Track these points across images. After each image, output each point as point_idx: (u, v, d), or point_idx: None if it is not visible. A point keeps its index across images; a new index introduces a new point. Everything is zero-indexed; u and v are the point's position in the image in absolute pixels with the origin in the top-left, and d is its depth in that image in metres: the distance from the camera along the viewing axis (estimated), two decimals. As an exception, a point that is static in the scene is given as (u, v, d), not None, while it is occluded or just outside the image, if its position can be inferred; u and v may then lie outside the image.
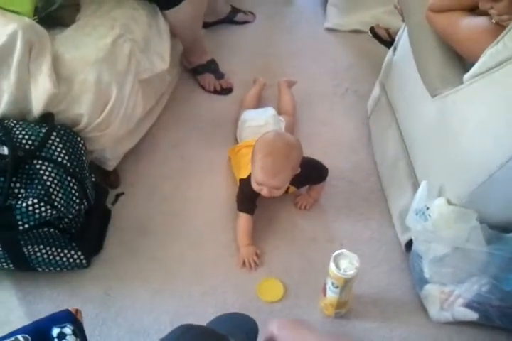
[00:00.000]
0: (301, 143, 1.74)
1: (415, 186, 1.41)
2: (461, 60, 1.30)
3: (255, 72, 2.09)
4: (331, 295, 1.28)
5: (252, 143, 1.53)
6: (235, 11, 2.32)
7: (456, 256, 1.23)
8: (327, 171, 1.59)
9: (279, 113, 1.79)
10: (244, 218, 1.51)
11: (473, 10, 1.25)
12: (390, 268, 1.48)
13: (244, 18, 2.35)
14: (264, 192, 1.45)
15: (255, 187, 1.46)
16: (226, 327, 1.03)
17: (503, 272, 1.20)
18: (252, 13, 2.39)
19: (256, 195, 1.51)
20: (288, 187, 1.55)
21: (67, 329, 0.82)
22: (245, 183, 1.51)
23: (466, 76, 1.17)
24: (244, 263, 1.47)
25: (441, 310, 1.33)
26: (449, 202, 1.20)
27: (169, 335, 0.83)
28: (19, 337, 0.79)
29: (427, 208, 1.22)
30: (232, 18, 2.32)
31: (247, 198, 1.53)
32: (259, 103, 1.89)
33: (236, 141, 1.77)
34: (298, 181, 1.54)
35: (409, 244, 1.44)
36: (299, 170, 1.47)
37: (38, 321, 0.86)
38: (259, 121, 1.67)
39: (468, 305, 1.29)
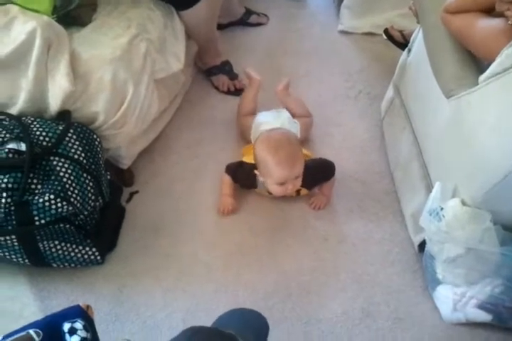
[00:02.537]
0: (315, 145, 1.78)
1: (428, 187, 1.40)
2: (476, 61, 1.29)
3: (268, 73, 2.09)
4: None
5: None
6: (248, 12, 2.33)
7: (469, 257, 1.22)
8: (334, 166, 1.60)
9: (295, 117, 1.78)
10: (227, 177, 1.60)
11: (489, 11, 1.25)
12: (403, 268, 1.48)
13: (258, 20, 2.36)
14: (290, 188, 1.46)
15: (278, 190, 1.47)
16: (236, 324, 1.02)
17: (516, 273, 1.20)
18: (265, 15, 2.40)
19: (242, 184, 1.60)
20: (299, 190, 1.56)
21: (78, 324, 0.83)
22: (243, 168, 1.57)
23: (482, 77, 1.17)
24: (219, 210, 1.60)
25: (454, 311, 1.32)
26: (463, 203, 1.20)
27: (177, 338, 0.83)
28: (31, 331, 0.80)
29: (441, 208, 1.21)
30: (246, 20, 2.33)
31: (235, 176, 1.60)
32: (256, 105, 1.84)
33: (248, 142, 1.77)
34: (308, 182, 1.54)
35: (422, 245, 1.43)
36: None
37: (50, 316, 0.86)
38: (275, 124, 1.66)
39: (482, 307, 1.28)
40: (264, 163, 1.44)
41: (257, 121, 1.73)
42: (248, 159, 1.59)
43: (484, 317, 1.29)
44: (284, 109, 1.77)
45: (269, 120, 1.70)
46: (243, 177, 1.58)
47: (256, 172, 1.50)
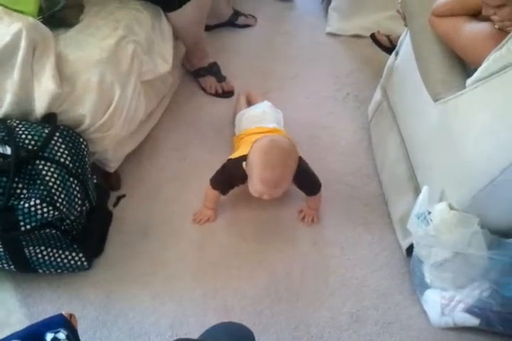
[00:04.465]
0: (302, 147, 1.75)
1: (416, 191, 1.41)
2: (463, 65, 1.30)
3: (256, 75, 2.10)
4: None
5: (255, 130, 1.54)
6: (236, 14, 2.33)
7: (457, 261, 1.23)
8: (320, 186, 1.54)
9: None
10: (213, 191, 1.53)
11: (477, 15, 1.25)
12: (391, 272, 1.48)
13: (246, 21, 2.36)
14: (266, 197, 1.42)
15: (255, 194, 1.43)
16: (222, 336, 1.02)
17: (504, 277, 1.20)
18: (253, 16, 2.40)
19: (234, 182, 1.51)
20: None
21: (61, 335, 0.81)
22: (230, 164, 1.50)
23: (469, 81, 1.17)
24: (195, 219, 1.58)
25: (442, 315, 1.33)
26: (451, 207, 1.20)
27: None
28: None
29: (429, 212, 1.22)
30: (234, 22, 2.33)
31: (225, 181, 1.52)
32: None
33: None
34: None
35: (410, 249, 1.44)
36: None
37: (32, 326, 0.85)
38: (257, 111, 1.65)
39: (469, 311, 1.29)
40: (250, 169, 1.39)
41: (239, 115, 1.73)
42: (233, 155, 1.54)
43: (472, 321, 1.29)
44: (265, 101, 1.78)
45: (251, 109, 1.71)
46: (232, 179, 1.51)
47: (244, 165, 1.43)
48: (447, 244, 1.20)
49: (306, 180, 1.53)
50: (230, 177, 1.51)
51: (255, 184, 1.39)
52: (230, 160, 1.54)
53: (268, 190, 1.39)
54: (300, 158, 1.46)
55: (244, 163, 1.43)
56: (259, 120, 1.63)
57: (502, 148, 1.06)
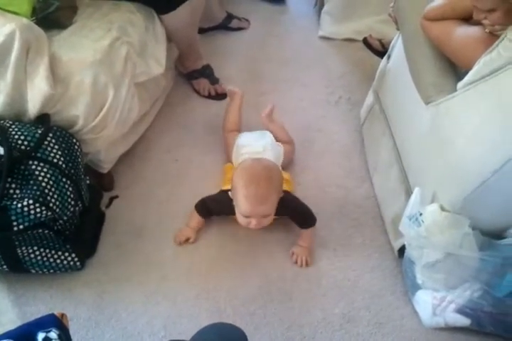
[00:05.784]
0: (295, 151, 1.77)
1: (408, 192, 1.42)
2: (455, 68, 1.31)
3: (249, 78, 2.11)
4: None
5: None
6: (230, 17, 2.34)
7: (448, 262, 1.24)
8: (315, 220, 1.51)
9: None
10: (197, 216, 1.54)
11: (468, 19, 1.27)
12: (383, 273, 1.49)
13: (239, 24, 2.37)
14: (253, 224, 1.39)
15: (242, 220, 1.41)
16: (213, 338, 1.02)
17: (494, 278, 1.21)
18: (247, 19, 2.41)
19: (217, 211, 1.53)
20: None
21: (53, 334, 0.82)
22: (221, 196, 1.49)
23: (460, 84, 1.18)
24: (175, 239, 1.53)
25: (434, 315, 1.33)
26: (442, 209, 1.21)
27: None
28: None
29: (420, 214, 1.22)
30: (227, 24, 2.34)
31: (209, 208, 1.52)
32: (241, 119, 1.82)
33: (230, 160, 1.72)
34: (281, 213, 1.48)
35: (402, 250, 1.44)
36: (282, 193, 1.42)
37: (23, 325, 0.85)
38: (257, 148, 1.60)
39: (461, 311, 1.30)
40: (235, 191, 1.39)
41: (239, 143, 1.67)
42: (225, 186, 1.54)
43: (463, 321, 1.30)
44: (268, 132, 1.72)
45: (251, 142, 1.65)
46: (217, 209, 1.52)
47: (230, 194, 1.43)
48: (439, 245, 1.20)
49: (296, 207, 1.51)
50: (216, 211, 1.53)
51: (241, 204, 1.37)
52: (222, 191, 1.53)
53: (254, 209, 1.36)
54: (286, 191, 1.47)
55: (229, 193, 1.43)
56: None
57: (493, 149, 1.07)
